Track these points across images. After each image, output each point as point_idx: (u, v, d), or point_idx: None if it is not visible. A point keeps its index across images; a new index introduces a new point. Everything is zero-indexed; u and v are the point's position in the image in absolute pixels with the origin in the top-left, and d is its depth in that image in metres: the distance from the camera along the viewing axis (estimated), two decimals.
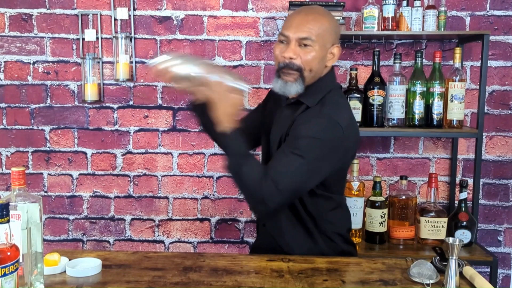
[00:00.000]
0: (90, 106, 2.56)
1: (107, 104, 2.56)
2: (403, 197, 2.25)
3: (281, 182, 1.41)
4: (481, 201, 2.54)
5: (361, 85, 2.32)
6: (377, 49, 2.29)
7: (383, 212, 2.22)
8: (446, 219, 2.22)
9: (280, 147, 1.52)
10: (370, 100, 2.24)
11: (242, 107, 1.52)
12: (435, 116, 2.24)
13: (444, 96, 2.24)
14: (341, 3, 2.30)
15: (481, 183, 2.49)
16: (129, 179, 2.61)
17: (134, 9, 2.50)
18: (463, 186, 2.24)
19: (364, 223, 2.28)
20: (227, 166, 1.49)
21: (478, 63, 2.42)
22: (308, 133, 1.45)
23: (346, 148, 1.53)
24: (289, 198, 1.49)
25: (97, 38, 2.51)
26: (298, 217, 1.59)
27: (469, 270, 1.37)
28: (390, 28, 2.25)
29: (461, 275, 1.36)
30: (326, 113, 1.48)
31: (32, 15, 2.52)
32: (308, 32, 1.49)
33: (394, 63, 2.27)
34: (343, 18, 2.28)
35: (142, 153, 2.59)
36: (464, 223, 2.23)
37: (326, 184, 1.55)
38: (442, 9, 2.24)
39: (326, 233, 1.60)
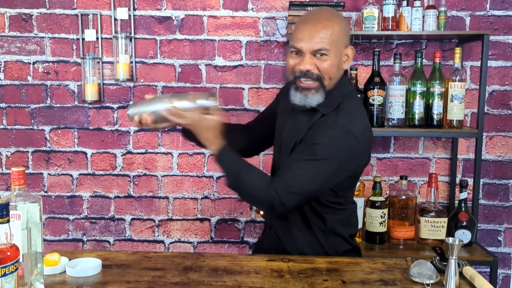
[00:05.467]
0: (90, 106, 2.56)
1: (107, 104, 2.56)
2: (403, 197, 2.25)
3: (293, 186, 1.44)
4: (481, 201, 2.54)
5: (361, 85, 2.32)
6: (377, 49, 2.29)
7: (383, 212, 2.22)
8: (446, 219, 2.22)
9: (293, 152, 1.52)
10: (370, 100, 2.24)
11: (220, 123, 1.51)
12: (435, 116, 2.24)
13: (444, 96, 2.24)
14: (341, 3, 2.30)
15: (481, 183, 2.49)
16: (129, 179, 2.61)
17: (134, 9, 2.50)
18: (463, 186, 2.24)
19: (364, 223, 2.28)
20: (227, 184, 1.52)
21: (478, 63, 2.42)
22: (323, 141, 1.45)
23: (360, 156, 1.53)
24: (299, 202, 1.50)
25: (97, 38, 2.51)
26: (306, 220, 1.59)
27: (469, 270, 1.37)
28: (390, 28, 2.25)
29: (461, 275, 1.36)
30: (341, 123, 1.47)
31: (32, 15, 2.52)
32: (321, 42, 1.45)
33: (394, 63, 2.27)
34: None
35: (142, 153, 2.59)
36: (464, 223, 2.23)
37: (336, 190, 1.55)
38: (442, 9, 2.24)
39: (332, 237, 1.60)
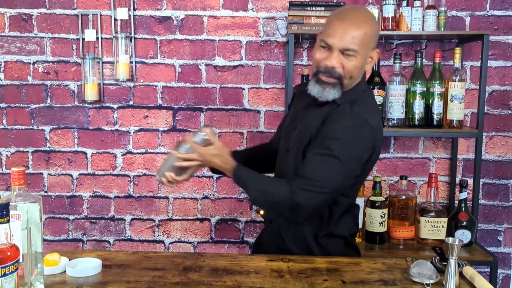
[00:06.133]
0: (90, 106, 2.56)
1: (107, 104, 2.56)
2: (403, 197, 2.25)
3: (317, 183, 1.42)
4: (481, 201, 2.54)
5: None
6: (377, 49, 2.29)
7: (383, 212, 2.22)
8: (446, 219, 2.22)
9: (310, 148, 1.50)
10: None
11: (223, 147, 1.58)
12: (435, 116, 2.24)
13: (444, 96, 2.24)
14: (341, 3, 2.30)
15: (481, 183, 2.49)
16: (129, 179, 2.61)
17: (134, 9, 2.50)
18: (463, 186, 2.24)
19: (364, 223, 2.28)
20: (251, 202, 1.63)
21: (478, 63, 2.42)
22: (340, 134, 1.45)
23: (374, 148, 1.52)
24: (325, 199, 1.49)
25: (97, 38, 2.51)
26: (310, 219, 1.57)
27: (469, 270, 1.37)
28: (390, 28, 2.25)
29: (461, 275, 1.36)
30: (357, 113, 1.48)
31: (32, 15, 2.52)
32: (352, 43, 1.45)
33: (394, 63, 2.27)
34: None
35: (142, 153, 2.59)
36: (464, 223, 2.23)
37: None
38: (442, 9, 2.24)
39: (333, 238, 1.60)
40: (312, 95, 1.54)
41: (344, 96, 1.52)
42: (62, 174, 2.61)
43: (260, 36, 2.51)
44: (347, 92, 1.53)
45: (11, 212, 1.15)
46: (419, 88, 2.24)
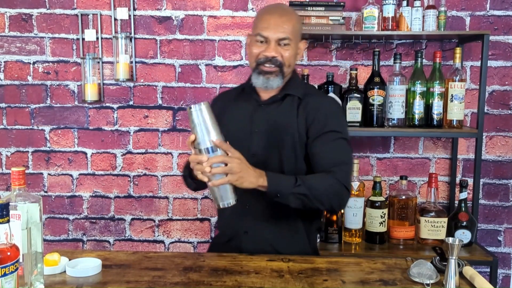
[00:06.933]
0: (90, 106, 2.56)
1: (107, 104, 2.56)
2: (403, 197, 2.25)
3: (347, 167, 1.58)
4: (481, 201, 2.54)
5: (361, 85, 2.32)
6: (377, 49, 2.29)
7: (383, 212, 2.22)
8: (446, 219, 2.22)
9: (320, 141, 1.57)
10: (370, 100, 2.24)
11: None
12: (435, 116, 2.24)
13: (444, 96, 2.24)
14: (341, 3, 2.30)
15: (481, 183, 2.49)
16: (129, 179, 2.61)
17: (134, 9, 2.50)
18: (463, 186, 2.24)
19: (364, 223, 2.28)
20: (298, 204, 1.48)
21: (478, 63, 2.42)
22: (337, 118, 1.64)
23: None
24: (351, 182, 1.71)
25: (97, 38, 2.51)
26: (288, 215, 1.61)
27: (469, 270, 1.37)
28: (390, 28, 2.25)
29: (461, 275, 1.36)
30: (329, 97, 1.83)
31: (32, 15, 2.52)
32: (286, 32, 1.57)
33: (394, 63, 2.27)
34: (343, 18, 2.27)
35: (142, 153, 2.59)
36: (464, 223, 2.23)
37: None
38: (442, 9, 2.24)
39: (318, 230, 1.69)
40: (258, 86, 1.62)
41: (291, 86, 1.66)
42: (62, 174, 2.61)
43: None
44: (291, 81, 1.66)
45: (11, 212, 1.15)
46: (419, 88, 2.24)
